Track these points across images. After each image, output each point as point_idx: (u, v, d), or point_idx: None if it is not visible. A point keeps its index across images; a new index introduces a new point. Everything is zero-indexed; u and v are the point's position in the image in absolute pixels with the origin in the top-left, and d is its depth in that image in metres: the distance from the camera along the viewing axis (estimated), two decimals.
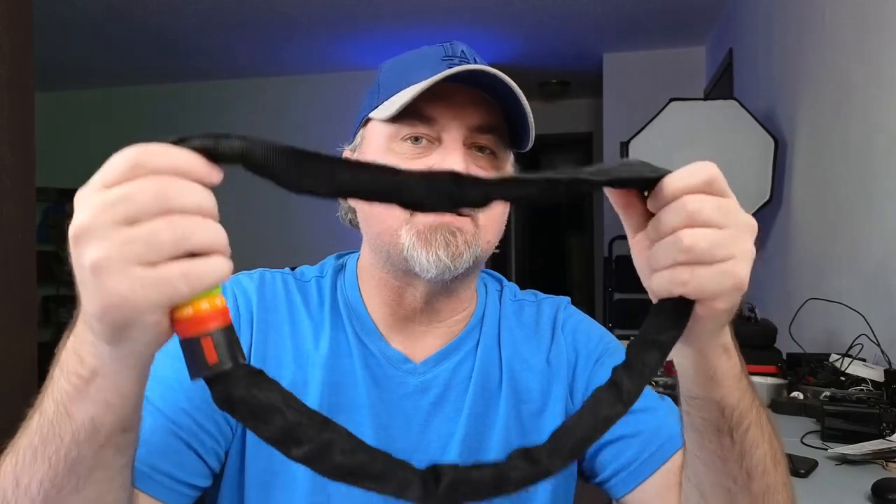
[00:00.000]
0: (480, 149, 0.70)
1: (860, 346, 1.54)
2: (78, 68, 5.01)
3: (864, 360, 1.52)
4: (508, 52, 4.57)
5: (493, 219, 0.71)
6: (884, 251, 1.69)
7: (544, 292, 0.85)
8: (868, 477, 0.99)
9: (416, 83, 0.66)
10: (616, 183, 0.45)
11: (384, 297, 0.73)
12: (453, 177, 0.39)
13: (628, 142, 2.94)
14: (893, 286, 1.62)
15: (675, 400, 0.64)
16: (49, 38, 4.07)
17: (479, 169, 0.68)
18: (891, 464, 1.08)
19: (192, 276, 0.36)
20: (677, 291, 0.44)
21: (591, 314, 0.84)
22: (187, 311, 0.37)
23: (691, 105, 2.91)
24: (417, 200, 0.40)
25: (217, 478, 0.70)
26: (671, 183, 0.44)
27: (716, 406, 0.53)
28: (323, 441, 0.39)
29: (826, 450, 1.15)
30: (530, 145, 0.72)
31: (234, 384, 0.37)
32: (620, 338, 0.83)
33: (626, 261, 4.37)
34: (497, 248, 0.79)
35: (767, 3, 2.91)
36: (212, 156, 0.38)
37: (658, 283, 0.45)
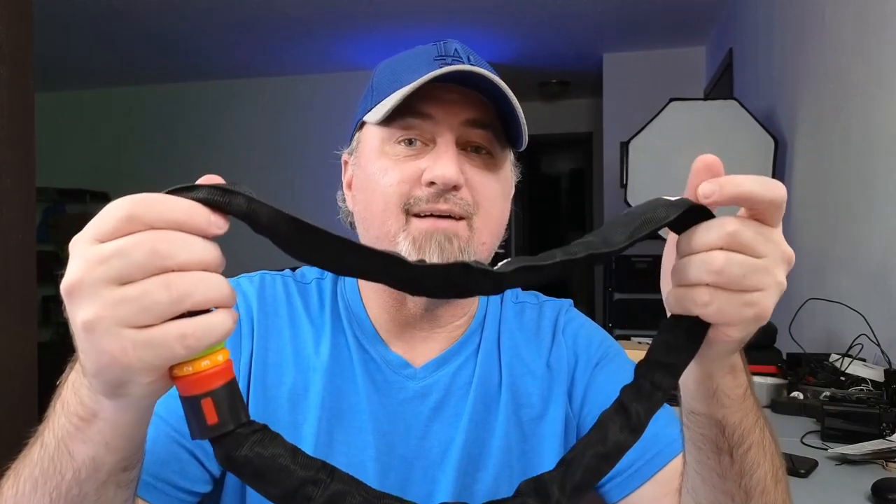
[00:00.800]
0: (476, 149, 0.69)
1: (860, 346, 1.54)
2: (78, 68, 5.01)
3: (864, 360, 1.52)
4: (508, 52, 4.57)
5: (489, 221, 0.70)
6: (884, 251, 1.69)
7: (544, 292, 0.84)
8: (868, 477, 0.99)
9: (408, 84, 0.65)
10: (635, 241, 0.43)
11: (384, 302, 0.73)
12: (464, 269, 0.38)
13: (628, 142, 2.94)
14: (893, 286, 1.62)
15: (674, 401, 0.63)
16: (49, 38, 4.07)
17: (473, 170, 0.68)
18: (891, 464, 1.08)
19: (191, 337, 0.35)
20: (695, 312, 0.43)
21: (591, 314, 0.84)
22: (187, 370, 0.36)
23: (691, 105, 2.91)
24: (427, 290, 0.39)
25: (218, 482, 0.70)
26: (740, 185, 0.42)
27: (716, 424, 0.52)
28: (331, 494, 0.38)
29: (826, 450, 1.15)
30: (524, 144, 0.71)
31: (237, 444, 0.37)
32: (620, 338, 0.83)
33: (627, 261, 4.38)
34: (500, 248, 0.79)
35: (767, 3, 2.91)
36: (217, 208, 0.37)
37: (677, 298, 0.44)
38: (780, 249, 0.44)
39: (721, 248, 0.42)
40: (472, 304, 0.77)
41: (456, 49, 0.70)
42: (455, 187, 0.66)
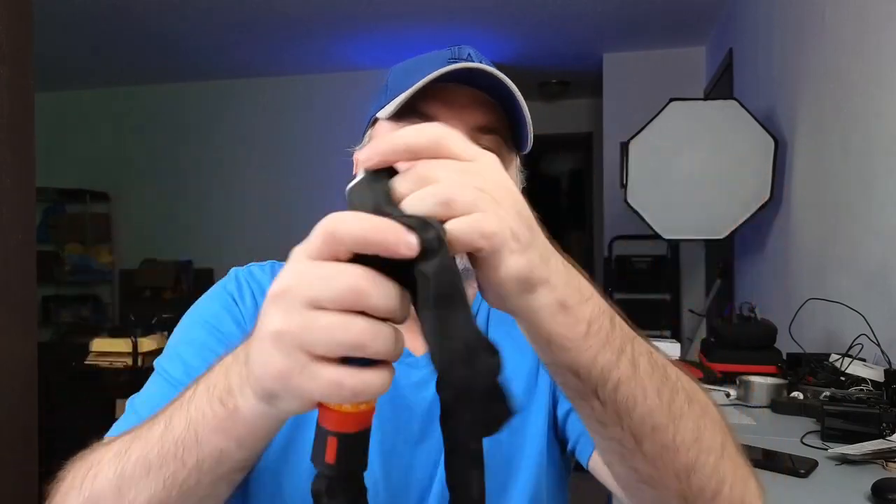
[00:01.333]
0: None
1: (860, 346, 1.54)
2: (78, 68, 5.01)
3: (864, 360, 1.52)
4: (508, 52, 4.57)
5: None
6: (884, 251, 1.69)
7: None
8: (868, 477, 0.99)
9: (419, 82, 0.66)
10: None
11: None
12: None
13: (628, 142, 2.94)
14: (893, 286, 1.62)
15: None
16: (49, 38, 4.07)
17: None
18: (891, 464, 1.08)
19: (346, 389, 0.35)
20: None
21: None
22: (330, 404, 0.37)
23: (691, 105, 2.91)
24: None
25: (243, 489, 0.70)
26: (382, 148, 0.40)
27: (568, 370, 0.46)
28: None
29: (826, 450, 1.15)
30: (529, 147, 0.72)
31: (331, 491, 0.38)
32: None
33: (626, 261, 4.38)
34: None
35: (767, 3, 2.91)
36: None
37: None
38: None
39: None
40: (471, 299, 0.78)
41: (469, 53, 0.70)
42: None
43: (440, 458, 0.69)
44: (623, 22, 4.08)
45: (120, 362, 2.87)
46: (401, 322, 0.37)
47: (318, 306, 0.35)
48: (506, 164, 0.72)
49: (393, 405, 0.71)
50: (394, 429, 0.70)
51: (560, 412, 0.75)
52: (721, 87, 3.81)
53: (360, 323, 0.35)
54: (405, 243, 0.35)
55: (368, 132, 0.75)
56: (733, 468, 0.52)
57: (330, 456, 0.37)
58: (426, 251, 0.35)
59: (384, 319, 0.36)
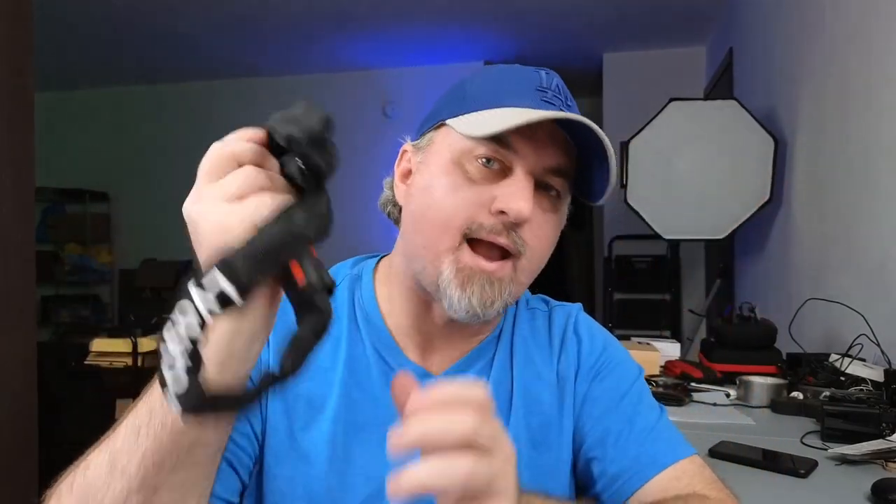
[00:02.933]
0: (547, 187, 0.67)
1: (860, 346, 1.54)
2: (78, 68, 5.01)
3: (863, 360, 1.51)
4: (508, 52, 4.57)
5: (534, 263, 0.68)
6: (884, 251, 1.69)
7: (544, 292, 0.84)
8: (868, 477, 0.99)
9: (508, 106, 0.64)
10: None
11: (408, 307, 0.72)
12: None
13: (628, 142, 2.94)
14: (893, 286, 1.62)
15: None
16: (49, 38, 4.07)
17: (541, 212, 0.67)
18: (891, 464, 1.07)
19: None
20: None
21: (591, 314, 0.84)
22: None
23: (691, 105, 2.90)
24: None
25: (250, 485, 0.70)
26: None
27: None
28: None
29: (826, 450, 1.15)
30: (603, 199, 0.69)
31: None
32: (620, 338, 0.83)
33: (626, 261, 4.38)
34: None
35: (767, 3, 2.91)
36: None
37: None
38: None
39: None
40: (498, 318, 0.77)
41: (558, 85, 0.69)
42: (521, 223, 0.64)
43: None
44: (623, 22, 4.08)
45: (120, 362, 2.87)
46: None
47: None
48: (564, 204, 0.70)
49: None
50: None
51: (592, 438, 0.73)
52: (721, 86, 3.81)
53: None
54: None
55: (430, 134, 0.70)
56: None
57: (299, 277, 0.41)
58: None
59: None
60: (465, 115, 0.67)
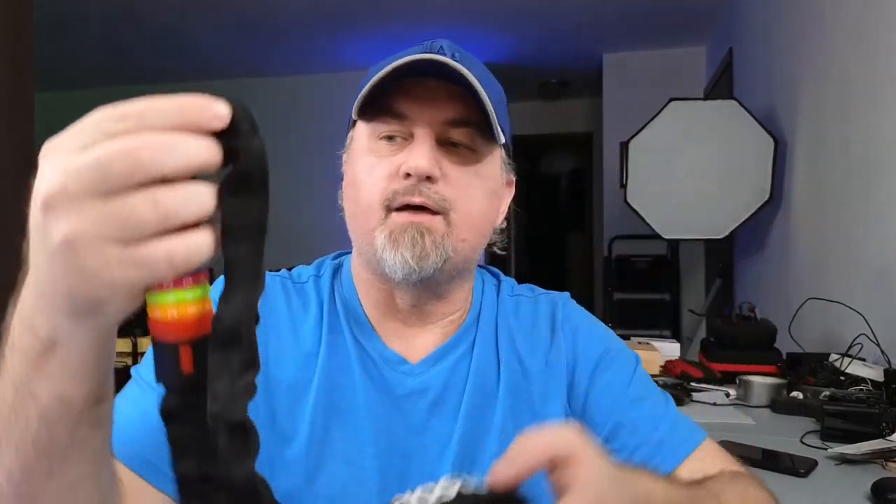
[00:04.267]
0: (455, 145, 0.68)
1: (860, 345, 1.54)
2: (78, 68, 5.01)
3: (863, 359, 1.52)
4: (508, 52, 4.57)
5: (469, 217, 0.68)
6: (883, 251, 1.69)
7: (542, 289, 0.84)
8: (868, 477, 0.99)
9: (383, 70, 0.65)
10: None
11: (374, 298, 0.74)
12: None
13: (628, 142, 2.94)
14: (893, 286, 1.62)
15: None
16: (49, 38, 4.07)
17: (451, 165, 0.67)
18: (890, 463, 1.08)
19: (179, 257, 0.32)
20: None
21: (591, 314, 0.83)
22: (170, 314, 0.34)
23: (691, 105, 2.91)
24: None
25: None
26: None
27: None
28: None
29: (826, 449, 1.15)
30: (503, 139, 0.70)
31: (188, 404, 0.36)
32: (620, 338, 0.82)
33: (626, 261, 4.38)
34: (503, 249, 0.79)
35: (767, 3, 2.91)
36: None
37: None
38: None
39: None
40: (466, 301, 0.77)
41: (442, 46, 0.68)
42: (430, 178, 0.65)
43: (436, 468, 0.69)
44: (623, 22, 4.08)
45: (120, 362, 2.87)
46: (211, 168, 0.33)
47: (106, 194, 0.31)
48: (482, 155, 0.70)
49: (388, 414, 0.70)
50: (388, 440, 0.69)
51: (605, 430, 0.73)
52: (721, 86, 3.81)
53: (164, 192, 0.31)
54: (216, 115, 0.33)
55: (349, 135, 0.74)
56: None
57: (186, 365, 0.35)
58: (237, 129, 0.34)
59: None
60: (356, 100, 0.69)
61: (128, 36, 4.29)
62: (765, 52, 2.94)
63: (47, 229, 0.33)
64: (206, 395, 0.35)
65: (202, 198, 0.33)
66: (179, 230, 0.32)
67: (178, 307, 0.34)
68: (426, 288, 0.70)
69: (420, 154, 0.65)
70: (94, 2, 3.71)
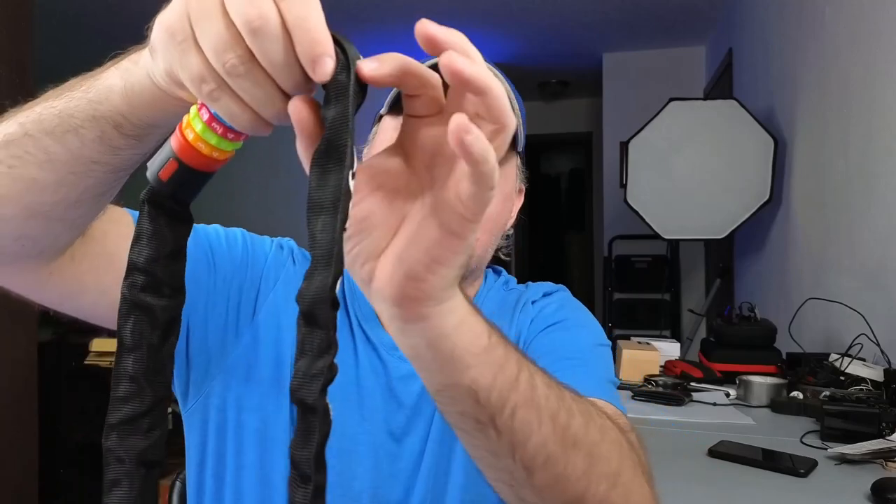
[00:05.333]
0: None
1: (860, 345, 1.54)
2: (78, 68, 5.01)
3: (863, 359, 1.52)
4: (508, 52, 4.57)
5: (486, 217, 0.69)
6: (884, 251, 1.69)
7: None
8: (868, 476, 0.99)
9: None
10: None
11: None
12: None
13: (628, 142, 2.94)
14: (893, 286, 1.62)
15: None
16: (49, 38, 4.07)
17: None
18: (890, 463, 1.08)
19: (212, 79, 0.35)
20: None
21: (591, 314, 0.84)
22: (188, 133, 0.38)
23: (691, 105, 2.91)
24: None
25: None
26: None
27: (466, 392, 0.41)
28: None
29: (826, 449, 1.15)
30: (520, 146, 0.74)
31: (158, 211, 0.40)
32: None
33: (626, 261, 4.38)
34: (507, 255, 0.81)
35: (767, 4, 2.91)
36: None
37: None
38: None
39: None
40: (469, 288, 0.80)
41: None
42: None
43: (424, 445, 0.72)
44: (623, 22, 4.08)
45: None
46: (289, 90, 0.35)
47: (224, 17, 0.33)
48: (503, 160, 0.71)
49: (383, 396, 0.73)
50: (383, 420, 0.73)
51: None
52: (721, 86, 3.81)
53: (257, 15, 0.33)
54: (322, 65, 0.33)
55: (374, 128, 0.78)
56: (625, 497, 0.48)
57: (165, 174, 0.39)
58: (334, 92, 0.35)
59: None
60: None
61: (128, 36, 4.29)
62: (765, 52, 2.94)
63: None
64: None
65: (287, 75, 0.34)
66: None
67: (195, 133, 0.38)
68: None
69: None
70: (94, 2, 3.71)
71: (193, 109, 0.38)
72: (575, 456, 0.45)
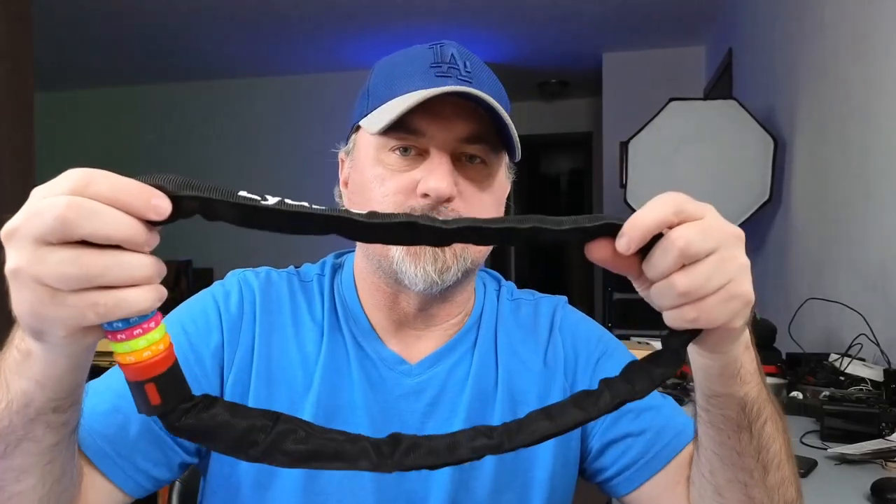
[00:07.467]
0: (471, 157, 0.69)
1: (860, 345, 1.54)
2: (78, 68, 5.01)
3: (863, 359, 1.52)
4: (508, 52, 4.57)
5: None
6: (884, 251, 1.69)
7: (544, 292, 0.84)
8: (867, 477, 0.99)
9: (403, 93, 0.66)
10: (578, 232, 0.44)
11: (378, 301, 0.74)
12: (408, 227, 0.41)
13: (628, 142, 2.94)
14: (893, 286, 1.62)
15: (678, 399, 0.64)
16: (49, 38, 4.07)
17: (466, 182, 0.68)
18: (890, 463, 1.08)
19: (102, 307, 0.36)
20: (690, 326, 0.45)
21: (591, 314, 0.84)
22: (128, 360, 0.38)
23: (691, 105, 2.91)
24: (379, 242, 0.42)
25: (202, 475, 0.71)
26: (641, 220, 0.43)
27: (738, 402, 0.53)
28: (275, 435, 0.41)
29: (825, 449, 1.15)
30: (518, 157, 0.72)
31: (179, 416, 0.40)
32: (620, 338, 0.83)
33: None
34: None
35: (767, 3, 2.91)
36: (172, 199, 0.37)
37: (669, 320, 0.46)
38: (724, 234, 0.45)
39: (677, 269, 0.43)
40: (468, 302, 0.78)
41: (452, 55, 0.69)
42: (448, 199, 0.66)
43: (433, 471, 0.68)
44: (623, 22, 4.08)
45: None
46: (141, 245, 0.36)
47: (46, 242, 0.35)
48: (493, 168, 0.71)
49: (385, 415, 0.71)
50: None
51: (595, 443, 0.75)
52: (721, 86, 3.81)
53: (88, 256, 0.35)
54: (153, 207, 0.36)
55: (353, 137, 0.74)
56: (797, 495, 0.62)
57: (154, 399, 0.39)
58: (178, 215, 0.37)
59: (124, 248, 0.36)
60: (370, 114, 0.70)
61: (128, 36, 4.29)
62: (764, 52, 2.94)
63: (7, 258, 0.37)
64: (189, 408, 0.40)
65: (131, 265, 0.36)
66: (111, 287, 0.36)
67: (134, 354, 0.38)
68: (438, 293, 0.71)
69: (440, 176, 0.66)
70: (94, 1, 3.71)
71: (111, 346, 0.39)
72: (792, 465, 0.60)
